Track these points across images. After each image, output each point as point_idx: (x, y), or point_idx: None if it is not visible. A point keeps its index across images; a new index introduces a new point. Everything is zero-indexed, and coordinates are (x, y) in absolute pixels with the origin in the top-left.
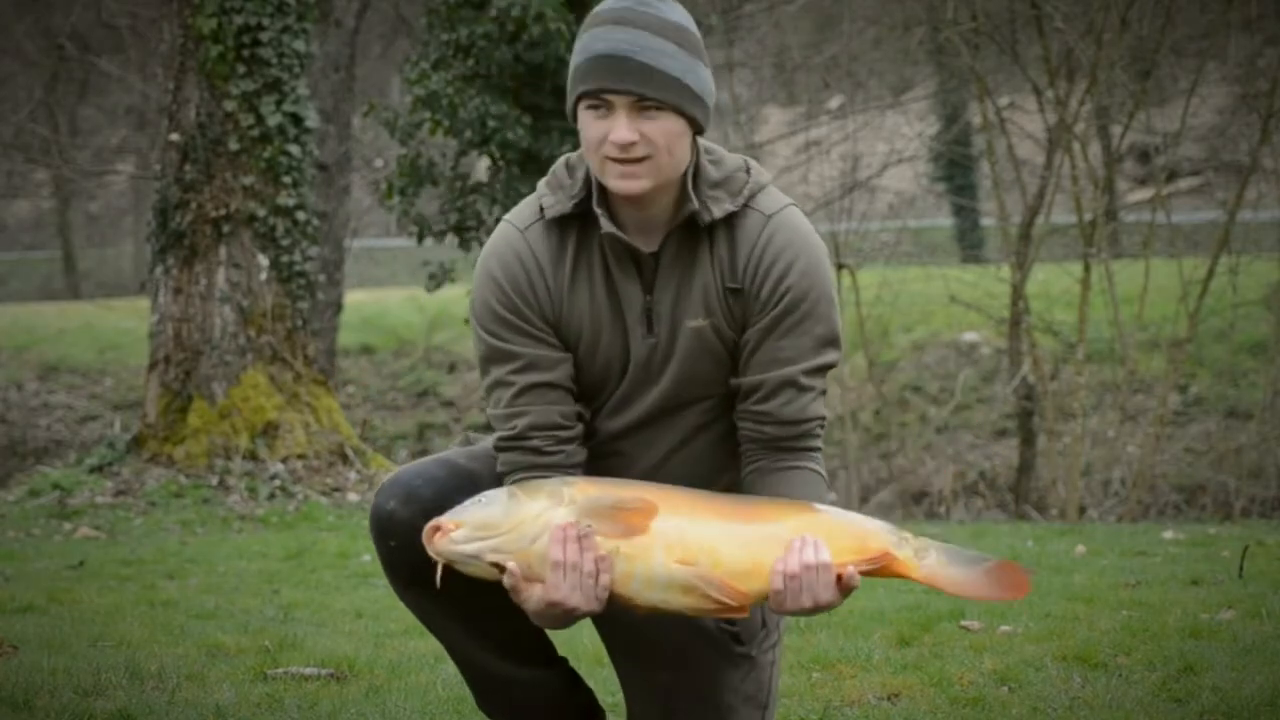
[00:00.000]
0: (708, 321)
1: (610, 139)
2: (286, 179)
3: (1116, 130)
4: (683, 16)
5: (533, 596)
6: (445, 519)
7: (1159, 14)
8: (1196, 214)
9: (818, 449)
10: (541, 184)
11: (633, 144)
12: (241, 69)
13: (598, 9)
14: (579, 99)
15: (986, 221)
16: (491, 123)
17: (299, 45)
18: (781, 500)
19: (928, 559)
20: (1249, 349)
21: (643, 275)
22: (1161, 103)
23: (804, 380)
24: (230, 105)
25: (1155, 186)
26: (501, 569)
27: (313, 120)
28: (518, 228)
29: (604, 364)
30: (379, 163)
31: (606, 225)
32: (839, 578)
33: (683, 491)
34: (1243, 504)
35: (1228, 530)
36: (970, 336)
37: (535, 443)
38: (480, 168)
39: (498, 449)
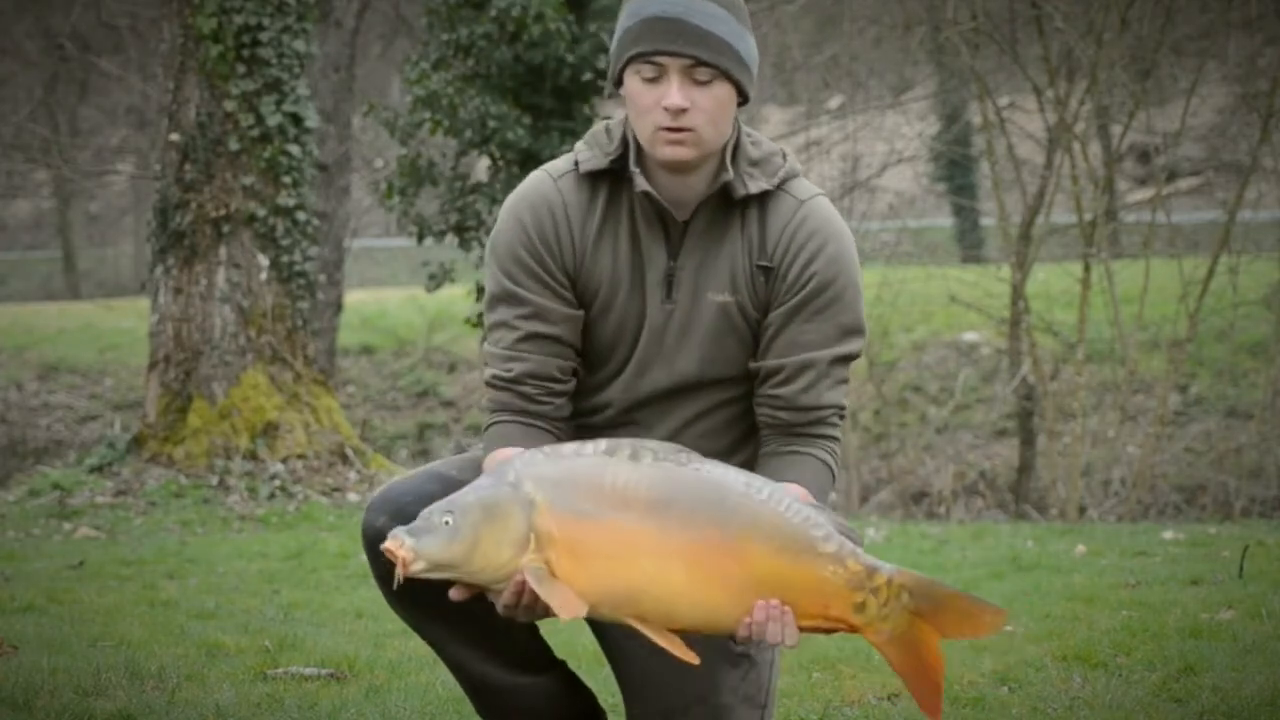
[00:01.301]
0: (733, 299)
1: (664, 104)
2: (286, 179)
3: (1116, 130)
4: None
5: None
6: (406, 545)
7: (1159, 14)
8: (1196, 214)
9: (832, 438)
10: (579, 143)
11: (684, 111)
12: (241, 69)
13: None
14: (629, 62)
15: (986, 221)
16: (491, 123)
17: (299, 45)
18: (766, 526)
19: (886, 626)
20: (1249, 349)
21: (670, 240)
22: (1161, 103)
23: (824, 367)
24: (230, 105)
25: (1155, 186)
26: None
27: (313, 120)
28: (551, 176)
29: (617, 325)
30: (379, 163)
31: (641, 184)
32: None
33: (655, 526)
34: (1243, 504)
35: (1228, 530)
36: (970, 336)
37: (528, 389)
38: (480, 168)
39: (489, 385)
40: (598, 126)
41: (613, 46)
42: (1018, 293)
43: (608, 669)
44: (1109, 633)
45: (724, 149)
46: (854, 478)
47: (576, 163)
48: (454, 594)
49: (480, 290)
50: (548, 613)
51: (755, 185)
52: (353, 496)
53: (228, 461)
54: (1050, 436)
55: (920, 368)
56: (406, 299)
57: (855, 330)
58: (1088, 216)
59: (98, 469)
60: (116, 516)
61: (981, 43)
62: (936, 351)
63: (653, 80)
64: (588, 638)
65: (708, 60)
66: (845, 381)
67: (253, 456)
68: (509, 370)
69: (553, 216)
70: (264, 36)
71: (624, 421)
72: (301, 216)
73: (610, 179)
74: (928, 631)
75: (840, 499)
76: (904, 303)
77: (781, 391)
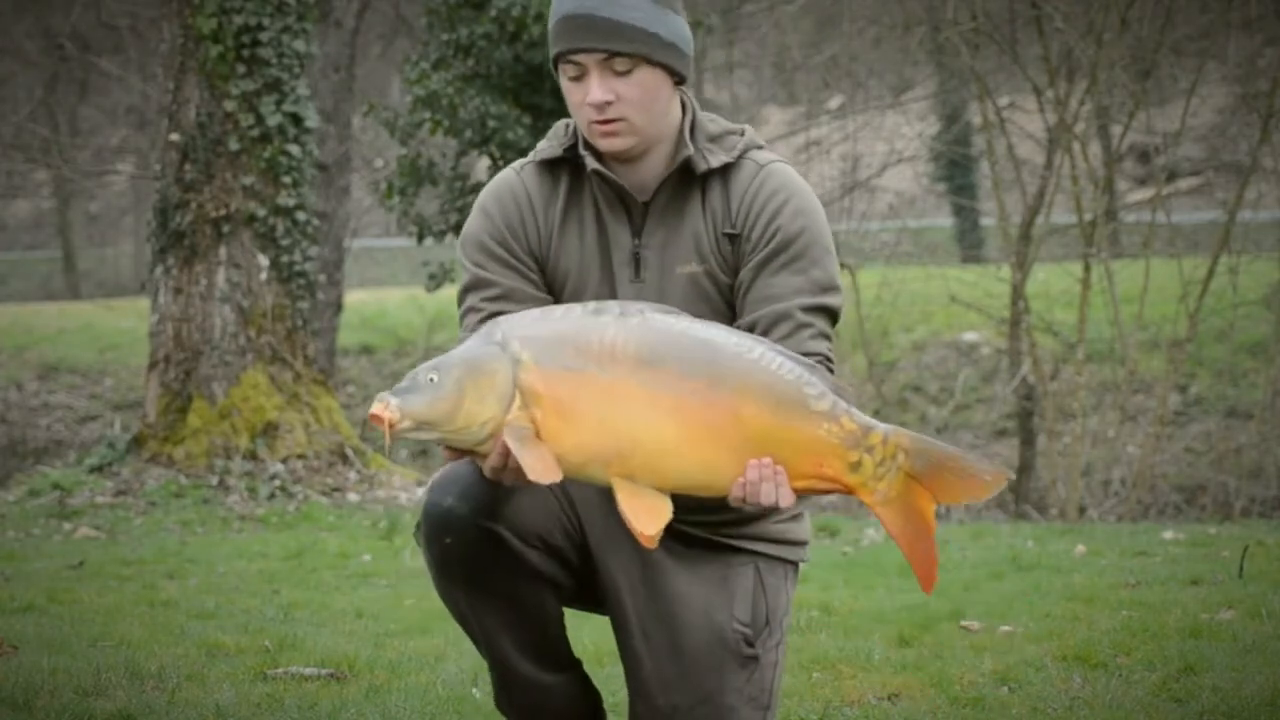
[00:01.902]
0: (702, 268)
1: (587, 101)
2: (286, 179)
3: (1116, 130)
4: None
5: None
6: (392, 404)
7: (1159, 14)
8: (1196, 214)
9: None
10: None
11: (608, 104)
12: (241, 69)
13: None
14: (555, 64)
15: (986, 221)
16: (491, 123)
17: (299, 45)
18: (758, 382)
19: (881, 485)
20: (1249, 349)
21: (632, 220)
22: (1161, 103)
23: (800, 316)
24: (230, 105)
25: (1155, 186)
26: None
27: (313, 120)
28: (514, 169)
29: None
30: (379, 163)
31: (592, 162)
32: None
33: (646, 379)
34: (1243, 504)
35: (1228, 530)
36: (970, 336)
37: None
38: (480, 168)
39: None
40: (559, 123)
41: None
42: (1018, 293)
43: (609, 669)
44: (1109, 633)
45: (681, 128)
46: None
47: (536, 154)
48: (445, 455)
49: None
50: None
51: (715, 159)
52: (353, 496)
53: (228, 461)
54: (1050, 436)
55: (920, 368)
56: (406, 299)
57: (829, 285)
58: (1088, 216)
59: (98, 469)
60: (116, 516)
61: (981, 43)
62: (936, 351)
63: (577, 79)
64: (590, 637)
65: (622, 50)
66: (827, 337)
67: (253, 456)
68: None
69: (516, 204)
70: (264, 36)
71: None
72: (301, 216)
73: (570, 167)
74: (923, 496)
75: (840, 499)
76: (904, 303)
77: None
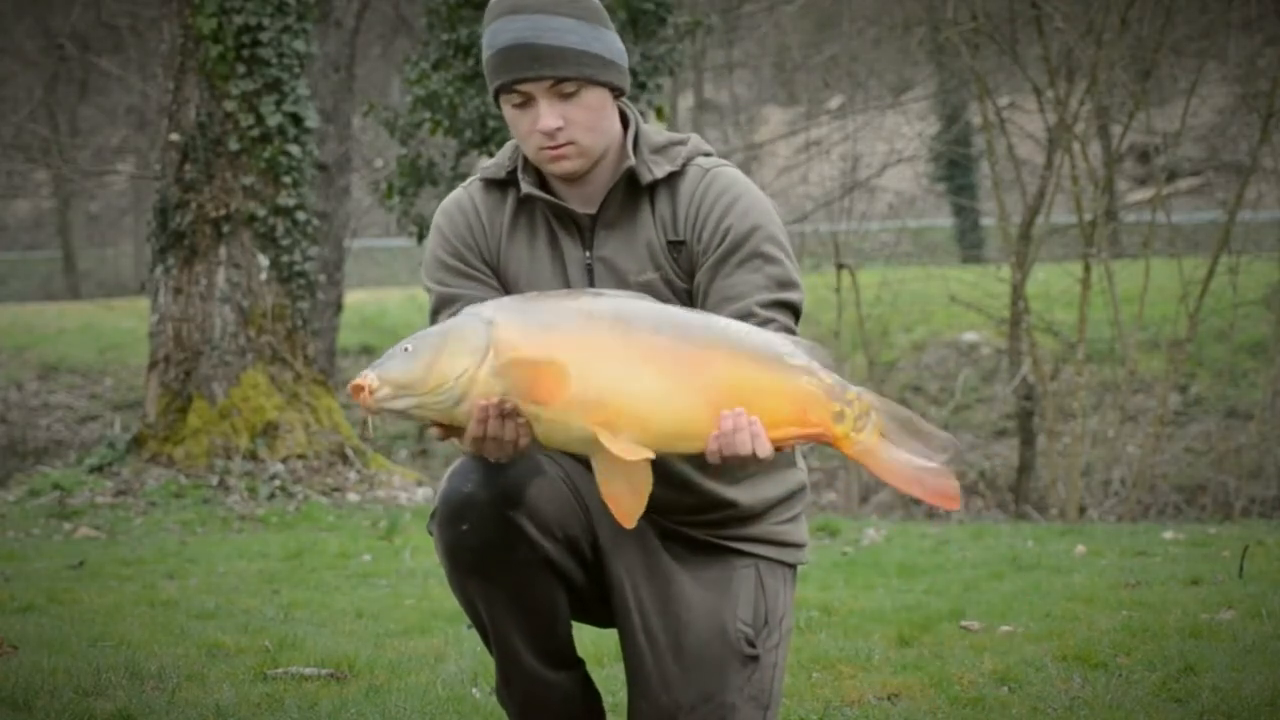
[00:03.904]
0: (657, 274)
1: (537, 128)
2: (286, 179)
3: (1116, 130)
4: None
5: (458, 444)
6: (370, 375)
7: (1159, 14)
8: (1196, 214)
9: None
10: None
11: (559, 129)
12: (241, 69)
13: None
14: (497, 93)
15: (986, 221)
16: (491, 123)
17: (299, 45)
18: (731, 341)
19: (862, 435)
20: (1249, 349)
21: (581, 234)
22: (1161, 103)
23: (761, 312)
24: (230, 105)
25: (1155, 186)
26: (431, 422)
27: (313, 120)
28: (464, 187)
29: None
30: (379, 163)
31: (527, 187)
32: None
33: (621, 333)
34: (1243, 504)
35: (1228, 530)
36: (970, 336)
37: None
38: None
39: None
40: (508, 143)
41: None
42: (1018, 293)
43: (609, 669)
44: (1109, 633)
45: (623, 141)
46: (854, 478)
47: (482, 172)
48: (433, 433)
49: None
50: (516, 441)
51: (660, 169)
52: (353, 496)
53: (228, 461)
54: (1050, 436)
55: (920, 368)
56: (406, 299)
57: (787, 281)
58: (1088, 216)
59: (98, 469)
60: (116, 516)
61: (981, 43)
62: (936, 351)
63: (522, 106)
64: (590, 637)
65: (569, 75)
66: (792, 331)
67: (253, 456)
68: None
69: (464, 216)
70: (264, 36)
71: None
72: (301, 216)
73: (515, 187)
74: (895, 452)
75: (840, 499)
76: (904, 303)
77: None
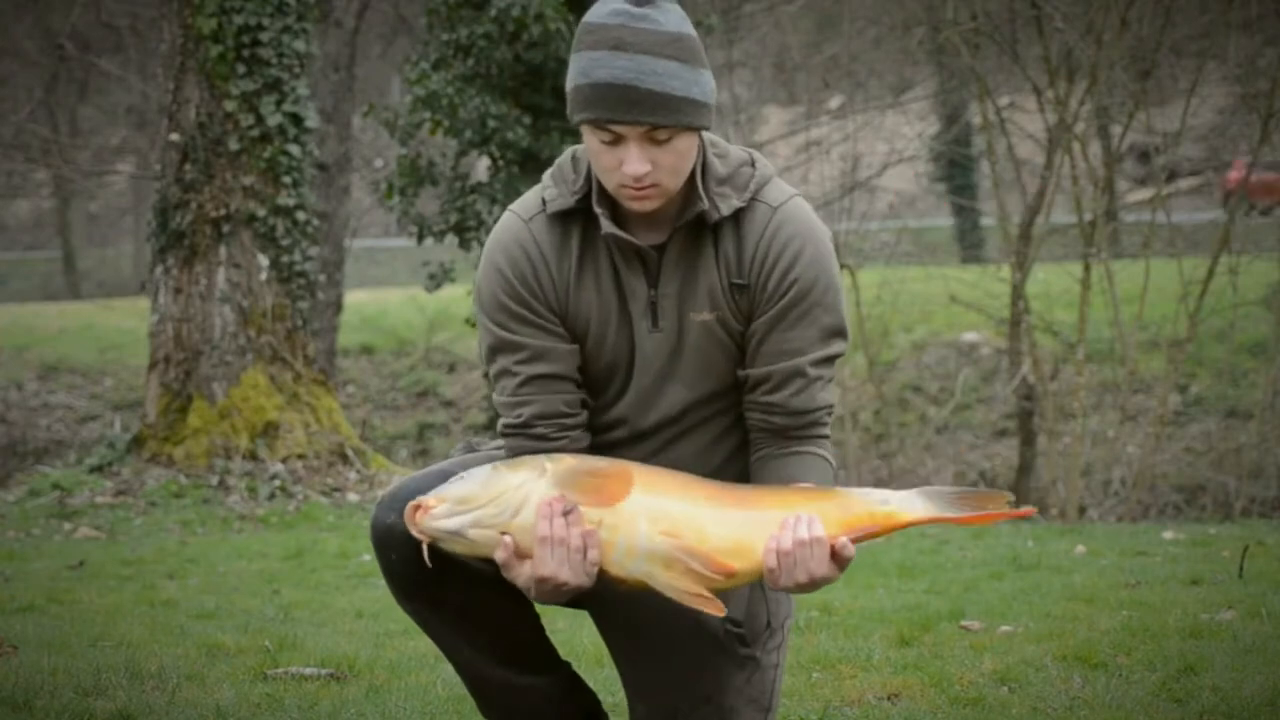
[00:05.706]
0: (714, 315)
1: (624, 170)
2: (286, 179)
3: (1116, 130)
4: (679, 21)
5: (523, 573)
6: (427, 496)
7: (1159, 14)
8: (1196, 214)
9: (826, 436)
10: (546, 176)
11: (647, 173)
12: (241, 69)
13: (592, 22)
14: (583, 121)
15: (986, 221)
16: (491, 123)
17: (299, 45)
18: (771, 486)
19: (915, 506)
20: (1249, 349)
21: (647, 269)
22: (1161, 103)
23: (811, 370)
24: (230, 105)
25: (1155, 186)
26: (489, 548)
27: (313, 120)
28: (522, 218)
29: (611, 357)
30: (379, 163)
31: (608, 226)
32: (833, 550)
33: (670, 472)
34: (1243, 504)
35: (1228, 530)
36: (970, 336)
37: (539, 430)
38: (480, 168)
39: (502, 434)
40: (564, 156)
41: (568, 91)
42: (1018, 293)
43: (609, 669)
44: (1109, 633)
45: (693, 173)
46: (854, 478)
47: (544, 201)
48: (499, 557)
49: None
50: (585, 551)
51: (727, 206)
52: (352, 496)
53: (228, 461)
54: (1050, 436)
55: (920, 368)
56: (406, 299)
57: (838, 331)
58: (1088, 216)
59: (98, 469)
60: (116, 516)
61: (981, 43)
62: (936, 351)
63: (611, 143)
64: (589, 638)
65: (665, 123)
66: (832, 379)
67: (253, 456)
68: (518, 416)
69: (529, 260)
70: (264, 36)
71: (630, 442)
72: (301, 216)
73: (582, 216)
74: (947, 509)
75: None
76: (904, 303)
77: (773, 398)
